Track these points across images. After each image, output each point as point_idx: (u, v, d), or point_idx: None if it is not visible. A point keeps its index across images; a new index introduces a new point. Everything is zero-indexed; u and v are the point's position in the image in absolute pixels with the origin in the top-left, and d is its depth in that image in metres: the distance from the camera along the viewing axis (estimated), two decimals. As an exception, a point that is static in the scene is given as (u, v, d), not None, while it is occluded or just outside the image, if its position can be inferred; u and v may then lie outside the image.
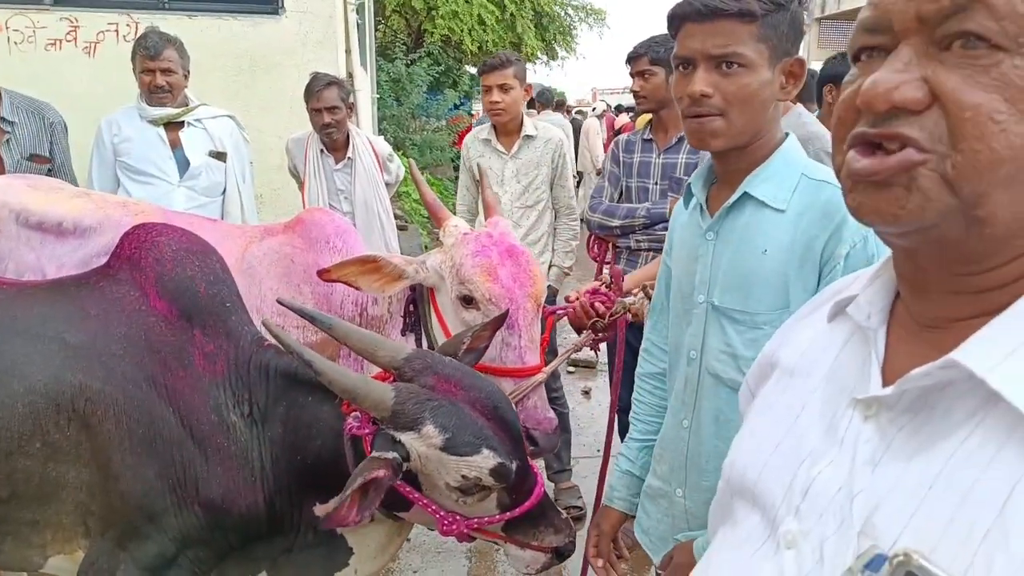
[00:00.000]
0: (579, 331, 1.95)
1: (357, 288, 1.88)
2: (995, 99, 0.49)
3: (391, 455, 1.25)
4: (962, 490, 0.51)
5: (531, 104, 11.22)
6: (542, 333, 1.95)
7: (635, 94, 2.76)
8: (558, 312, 2.04)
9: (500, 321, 1.66)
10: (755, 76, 1.17)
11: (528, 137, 3.18)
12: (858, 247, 1.14)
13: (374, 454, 1.26)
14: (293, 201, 3.91)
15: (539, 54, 17.75)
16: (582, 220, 3.20)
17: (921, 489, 0.53)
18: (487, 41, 15.24)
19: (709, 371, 1.29)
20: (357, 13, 7.24)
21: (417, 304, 2.01)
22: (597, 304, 1.88)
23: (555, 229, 3.29)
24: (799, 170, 1.24)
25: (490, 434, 1.29)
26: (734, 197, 1.24)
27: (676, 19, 1.21)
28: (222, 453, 1.38)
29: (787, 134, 1.29)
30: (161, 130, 3.09)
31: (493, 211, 2.07)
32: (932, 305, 0.60)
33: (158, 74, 3.01)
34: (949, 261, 0.56)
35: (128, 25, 5.29)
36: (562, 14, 17.88)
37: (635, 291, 1.85)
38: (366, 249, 2.26)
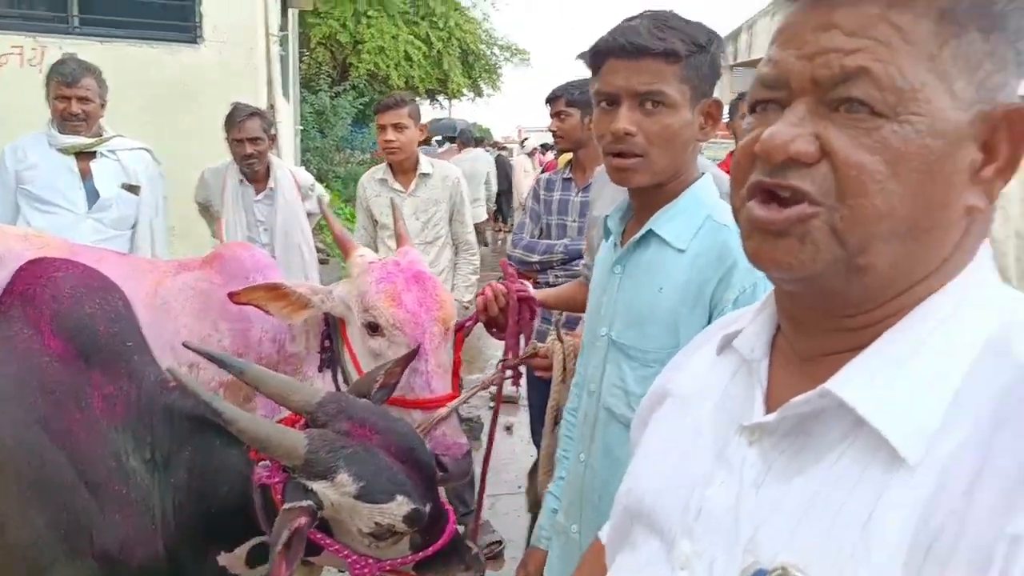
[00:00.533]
0: (488, 325, 1.91)
1: (267, 312, 1.86)
2: (876, 160, 0.54)
3: (306, 503, 1.22)
4: (833, 510, 0.55)
5: (452, 141, 11.43)
6: (453, 354, 1.95)
7: (553, 133, 2.86)
8: (467, 325, 2.03)
9: (412, 356, 1.66)
10: (677, 116, 1.17)
11: (424, 175, 3.25)
12: (747, 293, 1.14)
13: (288, 505, 1.22)
14: (207, 233, 3.81)
15: (465, 91, 18.00)
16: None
17: (799, 509, 0.57)
18: (414, 77, 15.37)
19: (604, 406, 1.28)
20: (280, 45, 7.18)
21: (332, 339, 1.99)
22: (497, 285, 1.85)
23: (455, 264, 3.37)
24: (706, 211, 1.24)
25: (404, 479, 1.28)
26: (639, 233, 1.24)
27: (600, 54, 1.20)
28: (120, 500, 1.32)
29: (703, 174, 1.29)
30: (72, 159, 2.97)
31: (404, 241, 2.08)
32: (809, 340, 0.64)
33: (74, 102, 2.90)
34: (829, 305, 0.61)
35: (34, 48, 5.09)
36: (488, 52, 18.22)
37: (550, 335, 1.84)
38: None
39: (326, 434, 1.29)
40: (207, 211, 3.60)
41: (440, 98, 20.10)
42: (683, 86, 1.16)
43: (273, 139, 3.40)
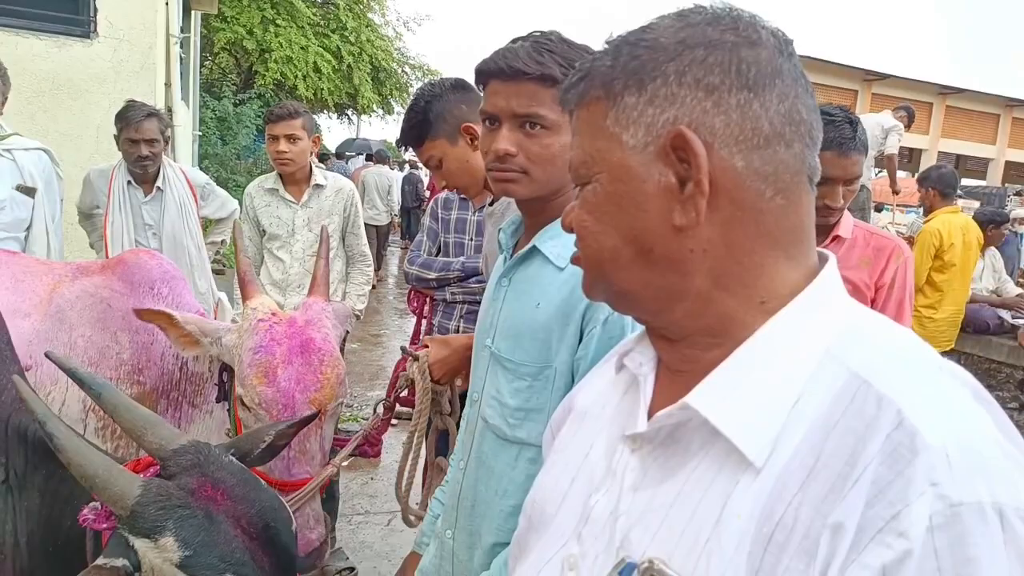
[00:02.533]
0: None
1: (167, 336, 1.78)
2: (584, 214, 0.71)
3: (120, 563, 1.10)
4: (692, 507, 0.61)
5: (369, 159, 11.75)
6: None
7: (444, 187, 2.82)
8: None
9: (309, 420, 1.53)
10: (557, 138, 1.19)
11: (318, 187, 3.18)
12: (615, 315, 1.12)
13: (99, 560, 1.10)
14: (85, 239, 3.59)
15: (375, 107, 17.86)
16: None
17: (665, 507, 0.63)
18: (322, 89, 15.12)
19: (482, 415, 1.29)
20: (181, 47, 6.91)
21: (227, 376, 1.88)
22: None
23: (348, 275, 3.34)
24: None
25: (243, 558, 1.13)
26: (524, 249, 1.26)
27: (482, 75, 1.22)
28: None
29: None
30: None
31: (316, 288, 1.90)
32: (668, 353, 0.72)
33: None
34: (644, 321, 0.72)
35: (-99, 31, 4.70)
36: (399, 71, 18.17)
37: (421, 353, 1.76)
38: (193, 298, 2.11)
39: (165, 487, 1.15)
40: (88, 219, 3.41)
41: (349, 112, 19.86)
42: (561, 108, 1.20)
43: (167, 142, 3.26)
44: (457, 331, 2.64)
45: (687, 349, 0.68)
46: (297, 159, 3.08)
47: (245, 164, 12.40)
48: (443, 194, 3.05)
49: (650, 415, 0.69)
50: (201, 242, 3.35)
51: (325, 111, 18.15)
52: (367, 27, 16.53)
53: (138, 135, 3.08)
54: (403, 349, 1.77)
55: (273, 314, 1.78)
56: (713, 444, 0.62)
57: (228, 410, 1.88)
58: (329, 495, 3.24)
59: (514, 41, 1.23)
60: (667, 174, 0.64)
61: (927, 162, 21.86)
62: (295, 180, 3.16)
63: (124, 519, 1.11)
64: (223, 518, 1.14)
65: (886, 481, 0.51)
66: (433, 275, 2.78)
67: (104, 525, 1.15)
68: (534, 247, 1.25)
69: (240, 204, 3.47)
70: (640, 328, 0.78)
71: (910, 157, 23.15)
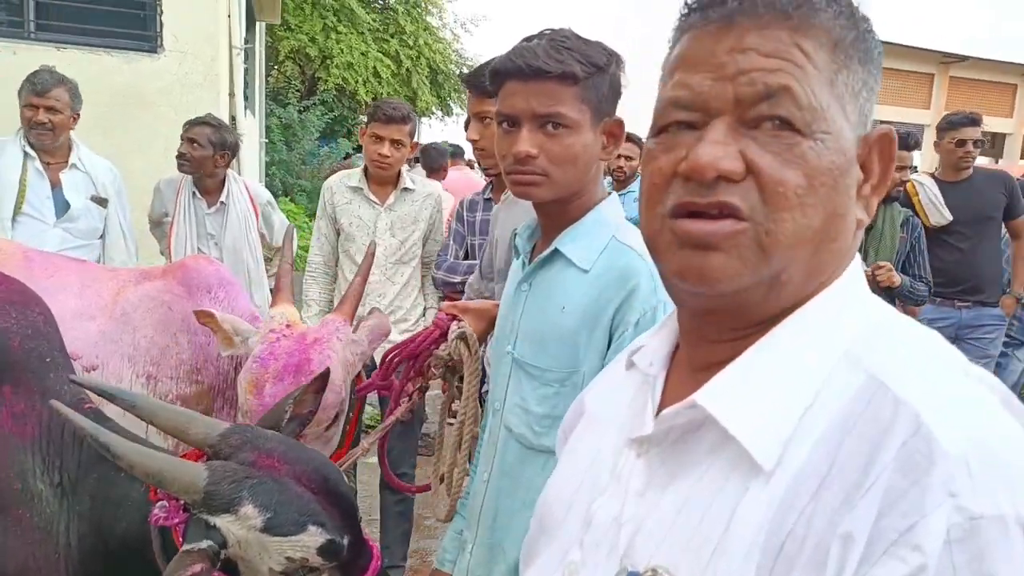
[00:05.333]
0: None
1: (216, 336, 1.83)
2: (798, 175, 0.56)
3: (205, 544, 1.13)
4: (700, 513, 0.57)
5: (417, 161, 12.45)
6: (350, 413, 1.82)
7: (474, 144, 2.38)
8: (367, 388, 1.89)
9: (322, 381, 1.54)
10: (578, 137, 1.16)
11: (407, 190, 2.97)
12: (647, 316, 1.12)
13: (186, 546, 1.13)
14: (156, 247, 3.74)
15: (434, 109, 18.02)
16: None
17: (671, 514, 0.59)
18: (382, 93, 15.34)
19: (505, 424, 1.25)
20: (245, 58, 7.10)
21: None
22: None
23: (424, 278, 3.10)
24: (611, 232, 1.21)
25: (318, 509, 1.19)
26: (545, 252, 1.23)
27: (499, 75, 1.19)
28: (23, 525, 1.25)
29: (610, 193, 1.29)
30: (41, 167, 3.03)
31: (343, 306, 1.82)
32: (702, 352, 0.66)
33: (41, 111, 2.97)
34: (737, 319, 0.62)
35: (-14, 53, 4.97)
36: (457, 72, 18.27)
37: (453, 329, 1.67)
38: (248, 303, 2.17)
39: (228, 465, 1.20)
40: (158, 227, 3.55)
41: (410, 116, 20.06)
42: (583, 107, 1.16)
43: (223, 154, 3.31)
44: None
45: (723, 348, 0.62)
46: (396, 165, 2.89)
47: (310, 169, 12.70)
48: (468, 196, 2.98)
49: (656, 416, 0.65)
50: (260, 256, 3.43)
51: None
52: (425, 30, 16.70)
53: (185, 134, 3.26)
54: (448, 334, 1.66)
55: (288, 326, 1.76)
56: (724, 447, 0.58)
57: None
58: (404, 517, 3.01)
59: (528, 39, 1.19)
60: (856, 166, 0.61)
61: (1012, 148, 20.73)
62: (382, 181, 2.95)
63: (200, 503, 1.15)
64: (287, 479, 1.20)
65: (900, 491, 0.48)
66: (458, 278, 2.76)
67: (176, 520, 1.19)
68: (556, 250, 1.22)
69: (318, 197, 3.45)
70: (657, 325, 0.74)
71: (992, 142, 22.00)
